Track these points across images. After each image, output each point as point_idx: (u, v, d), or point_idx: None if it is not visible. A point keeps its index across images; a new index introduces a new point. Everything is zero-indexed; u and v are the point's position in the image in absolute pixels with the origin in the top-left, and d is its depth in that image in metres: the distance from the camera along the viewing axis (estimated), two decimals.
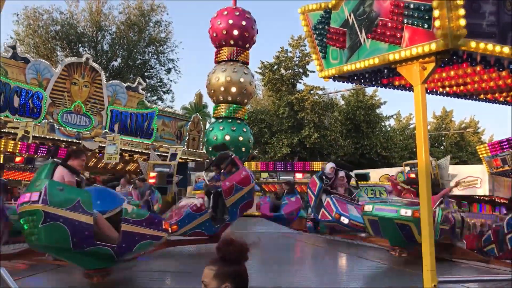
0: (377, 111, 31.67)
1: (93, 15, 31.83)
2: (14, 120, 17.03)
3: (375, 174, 19.71)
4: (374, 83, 4.75)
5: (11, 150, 14.18)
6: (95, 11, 31.93)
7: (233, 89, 10.97)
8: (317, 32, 4.46)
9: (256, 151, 28.07)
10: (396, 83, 4.90)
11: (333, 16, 4.26)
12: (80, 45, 31.71)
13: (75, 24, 31.59)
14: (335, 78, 4.60)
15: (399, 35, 3.51)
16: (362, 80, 4.62)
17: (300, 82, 29.68)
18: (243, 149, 11.05)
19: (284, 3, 78.31)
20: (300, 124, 28.10)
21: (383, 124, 32.98)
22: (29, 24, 30.73)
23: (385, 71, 4.08)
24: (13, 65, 17.84)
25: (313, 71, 28.98)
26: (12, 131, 16.46)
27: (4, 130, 16.60)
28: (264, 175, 17.03)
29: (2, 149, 13.23)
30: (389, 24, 3.54)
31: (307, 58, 28.26)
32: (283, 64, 29.14)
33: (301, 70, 29.32)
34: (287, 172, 16.73)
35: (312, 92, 28.39)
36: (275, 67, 29.24)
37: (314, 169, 15.85)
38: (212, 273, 1.84)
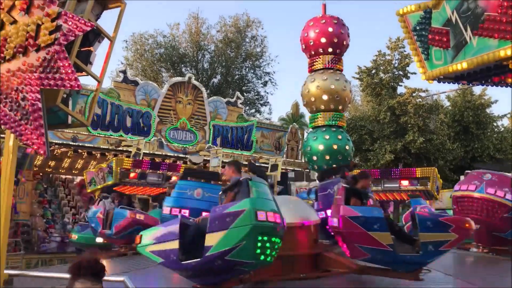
0: (487, 110, 29.34)
1: (193, 36, 33.60)
2: (127, 138, 18.45)
3: None
4: (483, 82, 4.42)
5: (126, 166, 15.34)
6: (195, 32, 33.68)
7: (324, 97, 10.79)
8: (418, 34, 4.27)
9: (357, 159, 27.41)
10: (509, 80, 4.51)
11: (434, 15, 4.05)
12: (182, 65, 33.59)
13: (177, 46, 33.58)
14: (439, 79, 4.36)
15: (510, 29, 3.22)
16: (469, 80, 4.32)
17: (400, 85, 28.52)
18: (340, 158, 10.81)
19: (378, 7, 76.25)
20: (403, 129, 26.95)
21: (495, 124, 30.43)
22: (136, 49, 33.29)
23: (496, 68, 3.77)
24: (124, 88, 19.39)
25: (415, 73, 27.71)
26: (126, 149, 17.84)
27: (119, 148, 18.05)
28: None
29: (121, 165, 14.35)
30: (498, 19, 3.27)
31: (407, 60, 27.12)
32: (382, 67, 28.24)
33: (401, 73, 28.18)
34: (391, 180, 16.03)
35: (414, 94, 27.13)
36: (373, 71, 28.43)
37: (421, 176, 15.00)
38: None
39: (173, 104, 20.69)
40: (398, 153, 26.59)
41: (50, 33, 3.97)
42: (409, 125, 26.49)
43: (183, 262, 4.48)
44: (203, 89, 22.07)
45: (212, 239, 4.28)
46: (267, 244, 4.30)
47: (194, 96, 21.30)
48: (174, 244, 4.55)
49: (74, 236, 13.29)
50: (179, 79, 22.01)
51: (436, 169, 14.17)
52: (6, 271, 4.08)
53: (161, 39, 33.49)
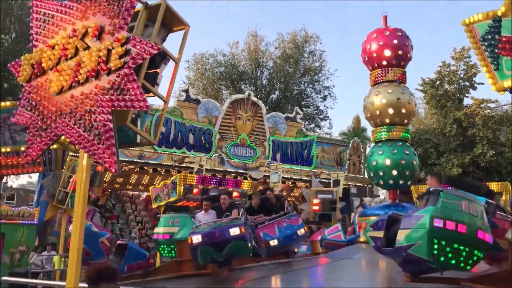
0: None
1: (252, 53, 34.15)
2: (190, 155, 18.94)
3: None
4: None
5: (189, 182, 15.72)
6: (253, 49, 34.22)
7: (390, 111, 10.54)
8: (486, 43, 4.09)
9: (422, 173, 26.44)
10: None
11: (503, 24, 3.87)
12: (241, 82, 34.16)
13: (236, 64, 34.25)
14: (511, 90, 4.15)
15: None
16: None
17: (467, 96, 27.33)
18: (407, 173, 10.47)
19: (442, 17, 73.92)
20: (471, 142, 25.71)
21: None
22: (198, 69, 34.30)
23: None
24: (187, 106, 19.99)
25: (482, 83, 26.49)
26: (189, 166, 18.30)
27: (183, 165, 18.56)
28: None
29: (184, 182, 14.74)
30: None
31: (473, 70, 26.00)
32: (446, 78, 27.22)
33: (467, 84, 27.02)
34: None
35: (482, 106, 25.89)
36: (437, 82, 27.46)
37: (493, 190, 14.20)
38: None
39: (233, 120, 21.03)
40: (466, 167, 25.36)
41: (120, 57, 4.19)
42: (477, 138, 25.24)
43: (383, 248, 5.52)
44: (262, 105, 22.28)
45: (401, 234, 5.22)
46: (447, 249, 4.88)
47: (254, 113, 21.54)
48: (381, 234, 5.61)
49: None
50: (238, 96, 22.39)
51: (509, 183, 13.35)
52: (80, 284, 4.28)
53: (221, 58, 34.34)
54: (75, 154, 11.14)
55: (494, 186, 14.16)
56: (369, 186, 22.80)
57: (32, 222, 18.69)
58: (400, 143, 10.63)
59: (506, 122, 26.40)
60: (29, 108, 4.87)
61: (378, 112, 10.59)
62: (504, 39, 3.85)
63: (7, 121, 9.73)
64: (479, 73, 25.74)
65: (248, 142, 21.26)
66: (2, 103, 10.29)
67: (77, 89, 4.47)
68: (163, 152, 18.51)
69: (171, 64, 4.87)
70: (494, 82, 4.18)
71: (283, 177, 19.39)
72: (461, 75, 26.92)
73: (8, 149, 9.98)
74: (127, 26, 4.35)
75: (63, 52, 4.68)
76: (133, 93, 4.06)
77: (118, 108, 4.12)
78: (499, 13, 3.85)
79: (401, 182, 10.46)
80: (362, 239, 9.86)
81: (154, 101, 12.41)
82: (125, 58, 4.17)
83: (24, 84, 4.98)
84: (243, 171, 20.03)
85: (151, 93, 4.63)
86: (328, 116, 36.77)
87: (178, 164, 18.47)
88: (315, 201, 15.56)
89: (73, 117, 4.39)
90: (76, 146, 4.49)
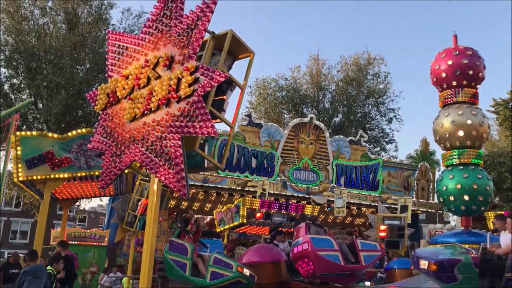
0: None
1: (314, 77, 34.16)
2: (253, 179, 19.05)
3: None
4: None
5: (252, 206, 15.81)
6: (315, 73, 34.23)
7: (460, 133, 10.09)
8: None
9: (497, 199, 24.86)
10: None
11: None
12: (303, 106, 34.14)
13: (298, 87, 34.35)
14: None
15: None
16: None
17: None
18: (480, 198, 9.90)
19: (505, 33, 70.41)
20: None
21: None
22: (260, 93, 34.74)
23: None
24: (250, 131, 20.22)
25: None
26: (252, 189, 18.40)
27: (246, 188, 18.69)
28: None
29: (247, 205, 14.85)
30: None
31: None
32: None
33: None
34: None
35: None
36: (511, 103, 26.02)
37: None
38: None
39: (296, 144, 20.99)
40: None
41: (189, 85, 4.35)
42: None
43: None
44: (324, 128, 22.09)
45: None
46: None
47: (316, 136, 21.39)
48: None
49: None
50: (301, 120, 22.35)
51: None
52: None
53: (282, 82, 34.62)
54: (145, 178, 11.56)
55: None
56: (439, 212, 21.74)
57: (102, 244, 19.54)
58: (473, 167, 10.13)
59: None
60: (104, 135, 5.14)
61: (447, 135, 10.19)
62: None
63: (82, 147, 10.32)
64: None
65: (311, 166, 21.08)
66: (79, 130, 10.93)
67: (149, 116, 4.67)
68: (226, 176, 18.77)
69: (236, 90, 4.98)
70: None
71: (348, 202, 18.96)
72: None
73: (83, 174, 10.56)
74: (196, 56, 4.52)
75: (136, 81, 4.93)
76: (201, 119, 4.18)
77: (188, 134, 4.26)
78: None
79: (474, 208, 9.93)
80: None
81: (219, 126, 12.67)
82: (194, 86, 4.33)
83: (100, 112, 5.27)
84: (306, 196, 19.82)
85: (218, 119, 4.75)
86: (394, 139, 35.75)
87: (241, 188, 18.63)
88: (382, 227, 15.02)
89: (145, 143, 4.58)
90: (147, 171, 4.67)
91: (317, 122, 21.97)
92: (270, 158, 20.30)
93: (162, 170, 4.32)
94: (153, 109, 4.63)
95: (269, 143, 20.51)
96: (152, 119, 4.60)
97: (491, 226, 13.65)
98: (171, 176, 4.22)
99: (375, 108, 34.55)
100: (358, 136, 22.99)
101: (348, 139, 22.73)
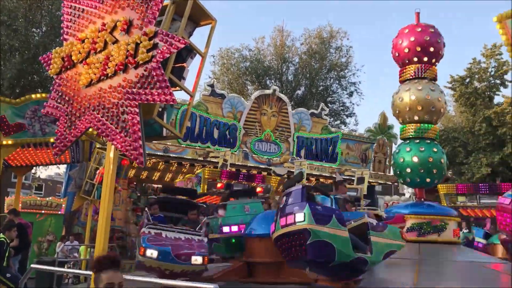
0: None
1: (278, 49, 34.03)
2: (215, 150, 19.02)
3: None
4: None
5: (213, 177, 15.83)
6: (279, 45, 34.09)
7: (419, 108, 10.38)
8: None
9: (450, 172, 25.91)
10: None
11: None
12: (267, 78, 34.08)
13: (262, 59, 34.18)
14: None
15: None
16: None
17: (498, 95, 26.66)
18: (435, 171, 10.29)
19: (473, 13, 72.20)
20: (501, 141, 25.06)
21: None
22: (223, 63, 34.37)
23: None
24: (212, 101, 20.04)
25: None
26: (214, 160, 18.39)
27: (207, 159, 18.66)
28: (461, 198, 15.52)
29: (208, 176, 14.83)
30: None
31: (504, 67, 25.30)
32: (476, 76, 26.58)
33: (498, 81, 26.34)
34: (489, 195, 14.92)
35: None
36: (467, 80, 26.86)
37: None
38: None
39: (258, 116, 21.01)
40: (496, 167, 24.75)
41: (148, 51, 4.23)
42: (508, 137, 24.59)
43: None
44: (287, 101, 22.17)
45: None
46: None
47: (279, 108, 21.47)
48: None
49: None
50: (264, 91, 22.32)
51: None
52: None
53: (246, 53, 34.32)
54: (102, 146, 11.32)
55: None
56: (395, 184, 22.48)
57: (59, 212, 19.19)
58: (428, 141, 10.47)
59: None
60: (59, 101, 4.97)
61: (407, 109, 10.44)
62: None
63: (37, 113, 9.97)
64: (511, 71, 25.07)
65: (272, 138, 21.21)
66: (33, 95, 10.53)
67: (106, 82, 4.54)
68: (187, 146, 18.65)
69: (197, 58, 4.89)
70: None
71: (307, 174, 19.28)
72: (492, 73, 26.25)
73: (38, 141, 10.23)
74: (155, 21, 4.38)
75: (93, 45, 4.76)
76: (160, 86, 4.09)
77: (145, 102, 4.17)
78: None
79: (428, 180, 10.31)
80: None
81: (179, 95, 12.52)
82: (153, 52, 4.22)
83: (54, 77, 5.08)
84: (267, 167, 20.00)
85: (177, 87, 4.67)
86: (354, 113, 36.45)
87: (202, 159, 18.57)
88: None
89: (102, 109, 4.46)
90: (104, 138, 4.56)
91: (280, 95, 21.99)
92: (232, 129, 20.27)
93: (119, 137, 4.23)
94: (109, 74, 4.49)
95: (232, 114, 20.43)
96: (108, 85, 4.47)
97: (442, 197, 14.25)
98: (128, 144, 4.14)
99: (337, 82, 34.95)
100: (319, 109, 23.23)
101: (309, 112, 22.93)
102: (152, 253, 6.05)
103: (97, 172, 12.28)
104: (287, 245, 5.43)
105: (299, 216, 5.26)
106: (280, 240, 5.53)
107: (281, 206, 5.81)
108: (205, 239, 6.88)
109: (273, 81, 33.71)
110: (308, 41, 34.27)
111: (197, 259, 6.23)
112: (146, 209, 7.29)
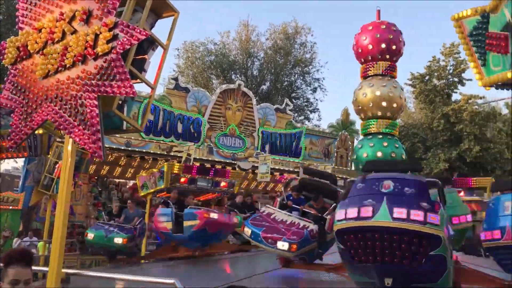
0: None
1: (243, 43, 33.99)
2: (178, 144, 18.86)
3: None
4: None
5: (176, 171, 15.67)
6: (245, 39, 34.06)
7: (383, 104, 10.63)
8: (474, 39, 4.12)
9: None
10: None
11: (492, 20, 3.89)
12: (232, 72, 34.02)
13: (227, 53, 34.07)
14: (497, 86, 4.18)
15: None
16: None
17: (455, 92, 27.60)
18: None
19: (432, 12, 74.17)
20: (458, 137, 25.98)
21: None
22: (188, 57, 34.06)
23: None
24: (176, 95, 19.85)
25: (470, 80, 26.76)
26: (177, 155, 18.24)
27: (170, 153, 18.48)
28: None
29: (171, 170, 14.66)
30: None
31: (462, 65, 26.21)
32: (436, 74, 27.41)
33: (456, 79, 27.25)
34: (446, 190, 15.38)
35: (470, 101, 26.14)
36: (427, 77, 27.65)
37: (477, 186, 14.36)
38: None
39: (223, 110, 20.96)
40: (453, 162, 25.66)
41: (108, 42, 4.13)
42: (464, 133, 25.52)
43: None
44: (252, 95, 22.22)
45: None
46: None
47: (244, 103, 21.49)
48: None
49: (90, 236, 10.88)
50: (229, 86, 22.28)
51: (493, 179, 13.54)
52: (63, 270, 4.26)
53: (211, 47, 34.15)
54: (61, 140, 11.01)
55: (479, 181, 14.31)
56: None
57: (16, 207, 18.54)
58: (390, 137, 10.71)
59: (492, 118, 26.71)
60: (14, 92, 4.79)
61: (371, 104, 10.65)
62: (491, 35, 3.88)
63: None
64: (468, 69, 25.99)
65: (237, 133, 21.22)
66: None
67: (64, 73, 4.41)
68: (150, 140, 18.41)
69: (159, 50, 4.83)
70: (481, 77, 4.21)
71: (271, 168, 19.41)
72: (450, 71, 27.12)
73: None
74: (115, 11, 4.29)
75: (50, 35, 4.61)
76: (119, 79, 4.02)
77: (105, 94, 4.08)
78: (488, 9, 3.88)
79: None
80: None
81: (143, 89, 12.31)
82: (113, 43, 4.12)
83: (9, 67, 4.90)
84: (232, 161, 20.01)
85: (138, 80, 4.59)
86: (317, 109, 36.89)
87: (166, 153, 18.38)
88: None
89: (59, 101, 4.34)
90: (62, 132, 4.44)
91: (245, 89, 22.02)
92: (196, 124, 20.14)
93: (77, 130, 4.12)
94: (68, 65, 4.35)
95: (196, 108, 20.30)
96: (66, 77, 4.34)
97: None
98: (86, 137, 4.05)
99: (301, 78, 35.29)
100: (284, 105, 23.41)
101: (274, 107, 23.08)
102: (247, 231, 6.76)
103: (56, 166, 11.95)
104: (379, 244, 4.26)
105: (431, 218, 4.19)
106: (367, 235, 4.32)
107: (366, 190, 4.63)
108: (313, 227, 6.83)
109: (238, 75, 33.68)
110: (273, 37, 34.43)
111: (283, 245, 6.42)
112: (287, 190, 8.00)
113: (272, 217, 7.00)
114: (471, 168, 25.84)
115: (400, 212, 4.19)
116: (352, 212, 4.39)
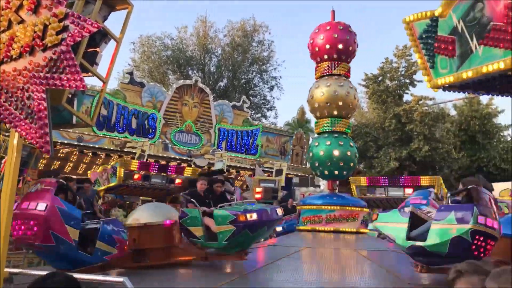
0: (494, 120, 29.23)
1: (201, 39, 33.71)
2: (133, 140, 18.50)
3: (495, 189, 18.04)
4: (489, 91, 4.40)
5: (130, 168, 15.36)
6: (202, 35, 33.79)
7: (340, 103, 10.76)
8: (424, 42, 4.27)
9: (361, 165, 27.34)
10: None
11: (440, 24, 4.05)
12: (189, 68, 33.68)
13: (184, 48, 33.68)
14: (445, 88, 4.35)
15: None
16: (475, 89, 4.30)
17: (407, 93, 28.51)
18: (351, 164, 10.76)
19: (387, 14, 76.21)
20: (409, 137, 26.88)
21: (501, 134, 30.25)
22: (144, 51, 33.42)
23: (501, 78, 3.76)
24: (131, 89, 19.45)
25: (421, 81, 27.66)
26: (131, 151, 17.88)
27: (124, 149, 18.10)
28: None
29: (125, 167, 14.36)
30: (504, 29, 3.26)
31: (413, 67, 27.09)
32: (388, 75, 28.21)
33: (407, 81, 28.15)
34: (396, 188, 15.92)
35: (420, 102, 27.08)
36: (380, 78, 28.41)
37: (425, 184, 14.93)
38: None
39: (179, 106, 20.74)
40: (403, 161, 26.51)
41: (57, 33, 3.99)
42: (414, 133, 26.41)
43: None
44: (209, 92, 22.11)
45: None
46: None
47: (200, 99, 21.34)
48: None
49: None
50: (185, 81, 22.06)
51: (441, 177, 14.10)
52: (6, 269, 4.09)
53: (168, 42, 33.66)
54: (7, 134, 10.56)
55: (427, 180, 14.92)
56: (311, 176, 23.30)
57: None
58: (336, 135, 10.86)
59: (441, 119, 27.79)
60: None
61: (317, 105, 10.78)
62: (440, 38, 4.04)
63: None
64: (419, 71, 26.86)
65: (193, 129, 21.06)
66: None
67: (10, 64, 4.23)
68: (104, 136, 17.96)
69: (112, 44, 4.71)
70: (429, 79, 4.37)
71: (227, 165, 19.40)
72: (402, 72, 27.98)
73: None
74: (66, 1, 4.15)
75: None
76: (69, 71, 3.89)
77: (53, 87, 3.94)
78: (436, 13, 4.03)
79: (344, 173, 10.74)
80: (302, 227, 10.09)
81: (96, 82, 11.99)
82: (63, 35, 3.99)
83: None
84: (187, 158, 19.84)
85: (89, 73, 4.46)
86: (274, 107, 37.19)
87: (119, 149, 17.99)
88: (258, 189, 15.71)
89: (4, 94, 4.15)
90: (7, 125, 4.26)
91: (202, 85, 21.87)
92: (151, 119, 19.82)
93: (23, 124, 3.96)
94: (14, 56, 4.17)
95: (151, 104, 19.98)
96: (13, 68, 4.16)
97: (353, 189, 14.97)
98: (33, 131, 3.90)
99: (259, 75, 35.43)
100: (241, 102, 23.44)
101: (231, 104, 23.07)
102: None
103: (2, 161, 11.45)
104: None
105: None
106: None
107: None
108: None
109: (195, 71, 33.39)
110: (232, 33, 34.33)
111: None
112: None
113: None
114: (420, 167, 26.78)
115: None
116: None
